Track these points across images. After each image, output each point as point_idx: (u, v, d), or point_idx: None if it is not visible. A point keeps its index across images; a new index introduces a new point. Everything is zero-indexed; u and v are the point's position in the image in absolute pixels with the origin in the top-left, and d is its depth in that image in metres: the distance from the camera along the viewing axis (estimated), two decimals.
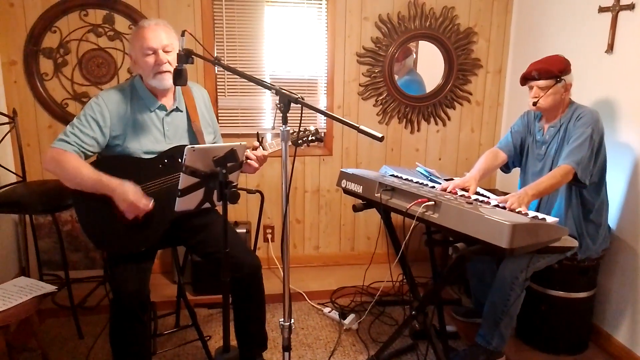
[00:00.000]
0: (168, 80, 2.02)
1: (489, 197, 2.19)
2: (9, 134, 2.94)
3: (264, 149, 2.16)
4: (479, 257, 2.68)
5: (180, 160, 1.85)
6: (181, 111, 2.17)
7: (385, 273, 2.86)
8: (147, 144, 2.06)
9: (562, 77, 2.30)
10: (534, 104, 2.37)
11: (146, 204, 1.92)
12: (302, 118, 3.51)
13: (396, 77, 3.50)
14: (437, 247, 2.56)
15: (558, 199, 2.43)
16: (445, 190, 2.26)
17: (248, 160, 2.11)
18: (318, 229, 3.65)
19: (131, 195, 1.89)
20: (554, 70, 2.30)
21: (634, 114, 2.46)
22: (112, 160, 2.04)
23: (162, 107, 2.10)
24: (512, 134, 2.63)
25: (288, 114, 1.70)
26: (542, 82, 2.33)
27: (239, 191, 1.69)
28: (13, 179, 2.94)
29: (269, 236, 3.57)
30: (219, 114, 3.35)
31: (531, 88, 2.40)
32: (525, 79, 2.42)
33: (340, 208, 3.63)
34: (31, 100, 3.10)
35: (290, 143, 2.13)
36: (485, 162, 2.56)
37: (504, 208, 2.00)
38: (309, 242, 3.66)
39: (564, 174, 2.20)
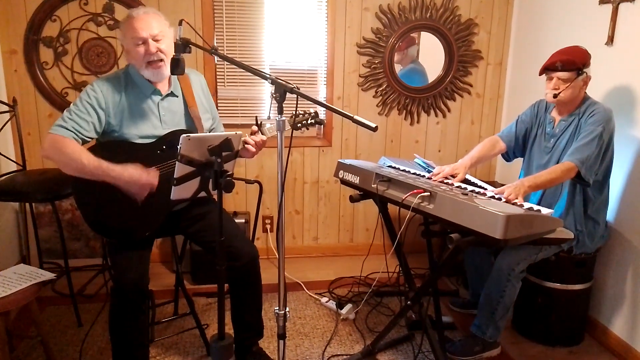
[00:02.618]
0: (162, 71, 2.04)
1: (483, 187, 2.19)
2: (9, 122, 2.96)
3: (262, 134, 2.15)
4: (476, 248, 2.69)
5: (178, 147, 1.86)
6: (176, 96, 2.17)
7: (383, 264, 2.88)
8: (144, 130, 2.07)
9: (584, 70, 2.28)
10: (555, 95, 2.32)
11: (154, 177, 1.94)
12: (300, 108, 3.51)
13: (399, 66, 3.49)
14: (435, 238, 2.57)
15: (561, 197, 2.41)
16: (434, 176, 2.27)
17: (246, 145, 2.10)
18: (317, 220, 3.66)
19: (141, 177, 1.90)
20: (577, 62, 2.26)
21: (634, 106, 2.46)
22: (110, 145, 2.05)
23: (157, 92, 2.11)
24: (517, 123, 2.61)
25: (285, 104, 1.70)
26: (564, 74, 2.28)
27: (234, 180, 1.69)
28: (13, 167, 2.96)
29: (268, 226, 3.59)
30: (219, 104, 3.35)
31: (550, 79, 2.35)
32: (546, 69, 2.36)
33: (340, 199, 3.64)
34: (31, 89, 3.11)
35: (289, 127, 2.12)
36: (481, 150, 2.55)
37: (500, 199, 2.00)
38: (308, 233, 3.68)
39: (565, 170, 2.18)
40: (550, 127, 2.47)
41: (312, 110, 2.30)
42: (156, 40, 2.01)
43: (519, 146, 2.62)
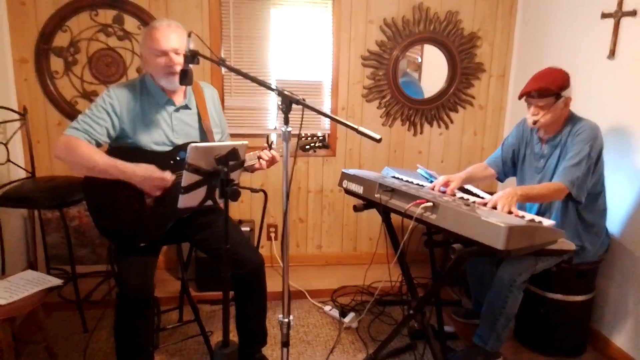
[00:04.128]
0: (176, 81, 2.08)
1: (478, 195, 2.21)
2: (20, 130, 3.01)
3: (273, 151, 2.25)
4: (479, 258, 2.71)
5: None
6: (190, 109, 2.22)
7: (386, 273, 2.90)
8: (156, 138, 2.11)
9: (562, 94, 2.27)
10: (534, 122, 2.34)
11: (167, 175, 1.98)
12: (306, 119, 3.56)
13: None
14: (438, 248, 2.60)
15: (554, 212, 2.44)
16: (432, 189, 2.30)
17: (260, 160, 2.21)
18: (321, 228, 3.69)
19: (154, 173, 1.95)
20: (552, 88, 2.25)
21: (636, 119, 2.48)
22: (123, 150, 2.09)
23: (171, 102, 2.16)
24: (503, 147, 2.66)
25: (291, 115, 1.75)
26: (541, 101, 2.29)
27: (240, 189, 1.73)
28: (22, 174, 3.01)
29: (272, 235, 3.62)
30: (225, 114, 3.38)
31: (529, 104, 2.36)
32: (524, 96, 2.37)
33: (343, 208, 3.67)
34: (41, 97, 3.16)
35: (298, 149, 2.21)
36: (474, 169, 2.61)
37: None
38: (312, 242, 3.70)
39: (556, 189, 2.21)
40: (539, 147, 2.49)
41: (320, 135, 2.39)
42: (177, 54, 2.06)
43: (509, 168, 2.66)
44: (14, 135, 2.92)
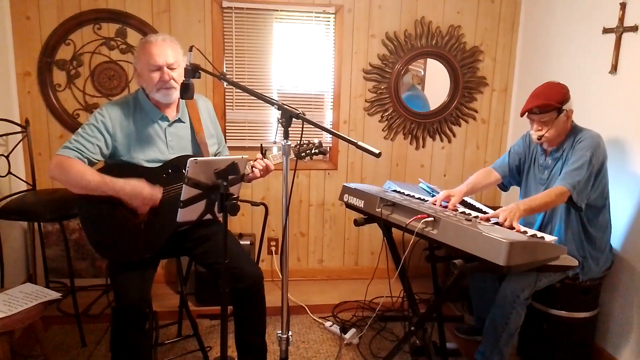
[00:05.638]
0: (172, 95, 2.08)
1: (480, 210, 2.20)
2: (21, 143, 3.01)
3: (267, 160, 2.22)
4: (481, 274, 2.68)
5: (184, 171, 1.90)
6: (184, 122, 2.21)
7: (388, 288, 2.87)
8: (151, 154, 2.11)
9: (564, 108, 2.28)
10: (539, 138, 2.34)
11: (157, 192, 1.97)
12: (307, 133, 3.58)
13: None
14: (439, 263, 2.58)
15: (557, 224, 2.42)
16: (434, 203, 2.28)
17: (254, 170, 2.18)
18: (322, 242, 3.67)
19: (143, 190, 1.94)
20: (554, 103, 2.27)
21: (638, 135, 2.47)
22: (117, 167, 2.09)
23: (165, 118, 2.15)
24: (510, 154, 2.65)
25: (291, 129, 1.74)
26: (543, 116, 2.30)
27: (240, 203, 1.72)
28: (23, 187, 3.01)
29: (273, 249, 3.60)
30: (227, 127, 3.40)
31: (532, 120, 2.37)
32: (525, 112, 2.37)
33: (345, 222, 3.65)
34: (44, 110, 3.17)
35: (293, 156, 2.20)
36: (476, 178, 2.60)
37: (502, 225, 2.01)
38: (313, 256, 3.68)
39: (559, 194, 2.19)
40: (543, 159, 2.49)
41: (316, 141, 2.40)
42: (171, 69, 2.06)
43: (514, 176, 2.65)
44: (16, 147, 2.93)
